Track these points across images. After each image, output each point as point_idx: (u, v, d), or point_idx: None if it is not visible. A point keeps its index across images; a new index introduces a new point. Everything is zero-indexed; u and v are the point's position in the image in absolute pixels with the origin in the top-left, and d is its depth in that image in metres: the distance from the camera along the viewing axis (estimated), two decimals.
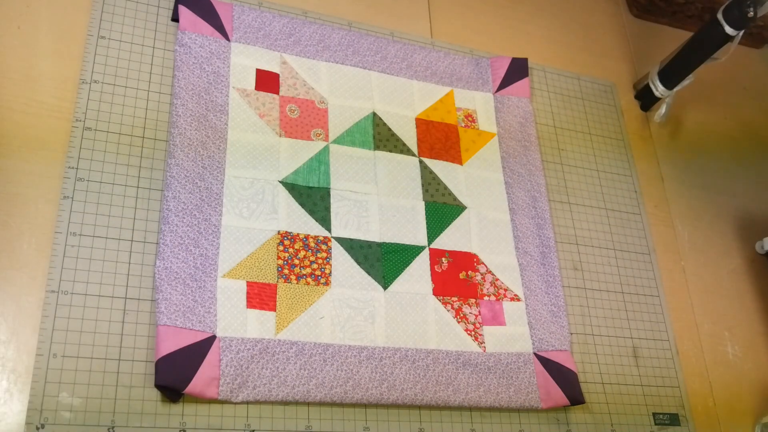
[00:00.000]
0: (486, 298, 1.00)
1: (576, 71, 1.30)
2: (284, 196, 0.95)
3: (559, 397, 0.96)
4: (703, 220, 1.27)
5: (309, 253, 0.93)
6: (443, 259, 1.00)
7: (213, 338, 0.83)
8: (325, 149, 1.00)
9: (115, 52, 0.95)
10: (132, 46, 0.96)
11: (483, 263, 1.02)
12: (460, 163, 1.08)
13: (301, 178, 0.97)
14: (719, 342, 1.16)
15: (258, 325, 0.86)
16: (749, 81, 1.50)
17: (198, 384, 0.79)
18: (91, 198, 0.86)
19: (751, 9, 1.09)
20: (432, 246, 1.00)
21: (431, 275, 0.98)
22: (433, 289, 0.97)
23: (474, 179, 1.08)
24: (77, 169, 0.87)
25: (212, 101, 0.96)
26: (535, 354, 0.98)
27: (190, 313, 0.82)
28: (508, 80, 1.18)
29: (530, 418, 0.95)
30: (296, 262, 0.91)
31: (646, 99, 1.31)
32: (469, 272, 1.01)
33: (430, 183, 1.05)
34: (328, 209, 0.97)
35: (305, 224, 0.94)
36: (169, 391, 0.78)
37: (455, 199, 1.05)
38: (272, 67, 1.03)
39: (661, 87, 1.26)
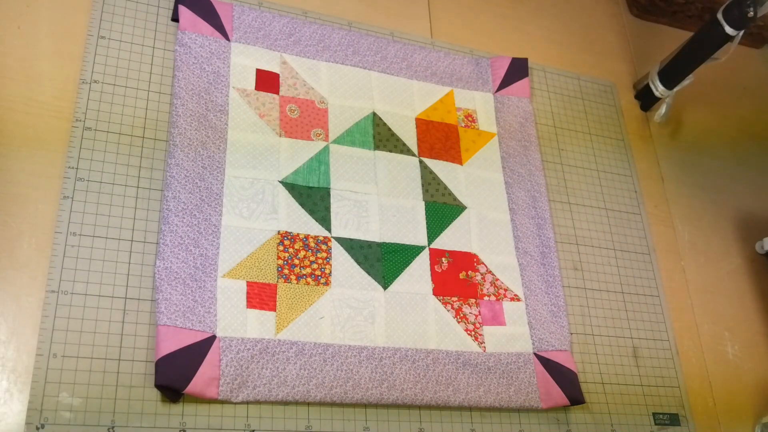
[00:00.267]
0: (486, 298, 1.00)
1: (576, 71, 1.30)
2: (284, 196, 0.95)
3: (559, 397, 0.96)
4: (703, 220, 1.27)
5: (309, 253, 0.93)
6: (443, 259, 1.00)
7: (213, 338, 0.83)
8: (325, 149, 1.00)
9: (115, 52, 0.95)
10: (132, 46, 0.96)
11: (483, 263, 1.02)
12: (460, 163, 1.08)
13: (301, 178, 0.97)
14: (719, 342, 1.16)
15: (258, 325, 0.86)
16: (749, 81, 1.50)
17: (198, 384, 0.79)
18: (91, 198, 0.86)
19: (751, 9, 1.09)
20: (432, 246, 1.00)
21: (431, 275, 0.98)
22: (433, 289, 0.97)
23: (474, 179, 1.08)
24: (77, 169, 0.87)
25: (212, 101, 0.96)
26: (535, 354, 0.98)
27: (190, 313, 0.82)
28: (508, 80, 1.18)
29: (530, 418, 0.95)
30: (296, 262, 0.91)
31: (646, 99, 1.31)
32: (469, 272, 1.01)
33: (430, 183, 1.05)
34: (328, 209, 0.97)
35: (305, 224, 0.94)
36: (169, 391, 0.78)
37: (455, 199, 1.05)
38: (272, 67, 1.03)
39: (661, 87, 1.26)
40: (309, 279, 0.91)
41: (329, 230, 0.95)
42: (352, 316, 0.91)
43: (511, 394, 0.94)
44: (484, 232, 1.04)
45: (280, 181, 0.96)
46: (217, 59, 0.99)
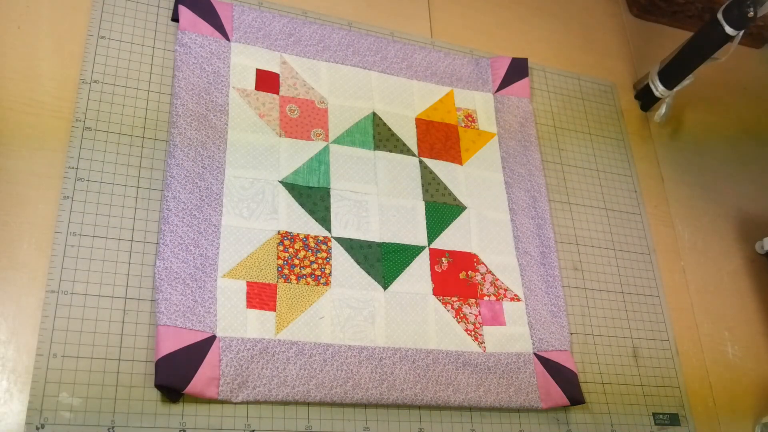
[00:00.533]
0: (486, 298, 1.00)
1: (576, 71, 1.30)
2: (284, 196, 0.95)
3: (559, 397, 0.96)
4: (703, 220, 1.27)
5: (309, 253, 0.93)
6: (443, 259, 1.00)
7: (213, 338, 0.83)
8: (325, 149, 1.00)
9: (115, 52, 0.95)
10: (132, 46, 0.96)
11: (483, 263, 1.02)
12: (460, 163, 1.08)
13: (301, 178, 0.97)
14: (719, 342, 1.16)
15: (258, 325, 0.86)
16: (749, 81, 1.50)
17: (198, 384, 0.79)
18: (91, 198, 0.86)
19: (751, 9, 1.09)
20: (432, 246, 1.00)
21: (431, 275, 0.98)
22: (433, 289, 0.97)
23: (474, 179, 1.08)
24: (77, 169, 0.87)
25: (212, 101, 0.96)
26: (535, 354, 0.98)
27: (190, 313, 0.82)
28: (508, 80, 1.18)
29: (530, 418, 0.95)
30: (296, 262, 0.91)
31: (646, 99, 1.31)
32: (469, 272, 1.01)
33: (430, 183, 1.05)
34: (328, 209, 0.97)
35: (305, 224, 0.94)
36: (169, 391, 0.78)
37: (455, 199, 1.05)
38: (272, 67, 1.03)
39: (661, 87, 1.26)
40: (309, 279, 0.91)
41: (329, 230, 0.95)
42: (352, 316, 0.91)
43: (511, 394, 0.94)
44: (484, 232, 1.04)
45: (280, 181, 0.96)
46: (217, 59, 0.99)
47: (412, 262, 0.98)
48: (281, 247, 0.91)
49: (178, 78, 0.95)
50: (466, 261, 1.01)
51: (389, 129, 1.06)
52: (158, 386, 0.78)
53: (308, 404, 0.85)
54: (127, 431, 0.77)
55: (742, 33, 1.13)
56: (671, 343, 1.11)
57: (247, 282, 0.88)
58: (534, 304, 1.02)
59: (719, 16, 1.13)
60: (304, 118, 1.01)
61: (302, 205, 0.95)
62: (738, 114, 1.44)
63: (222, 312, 0.85)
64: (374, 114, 1.06)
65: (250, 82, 1.00)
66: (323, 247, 0.94)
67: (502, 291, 1.01)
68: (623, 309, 1.10)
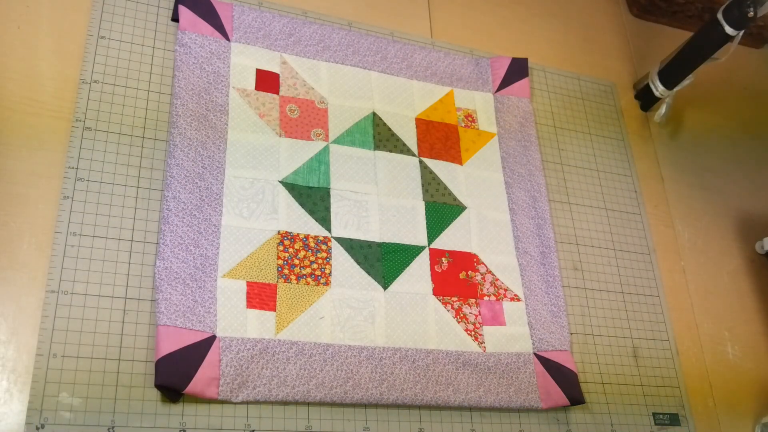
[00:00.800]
0: (486, 298, 1.00)
1: (576, 71, 1.30)
2: (284, 196, 0.95)
3: (559, 397, 0.96)
4: (703, 220, 1.27)
5: (309, 253, 0.93)
6: (443, 259, 1.00)
7: (213, 338, 0.83)
8: (325, 149, 1.00)
9: (115, 52, 0.95)
10: (132, 46, 0.96)
11: (483, 263, 1.02)
12: (460, 163, 1.08)
13: (301, 178, 0.97)
14: (719, 342, 1.16)
15: (258, 325, 0.86)
16: (749, 81, 1.50)
17: (198, 384, 0.79)
18: (91, 198, 0.86)
19: (751, 9, 1.09)
20: (432, 246, 1.00)
21: (431, 275, 0.98)
22: (433, 289, 0.97)
23: (474, 179, 1.08)
24: (77, 169, 0.87)
25: (212, 101, 0.96)
26: (535, 354, 0.98)
27: (190, 313, 0.82)
28: (508, 80, 1.18)
29: (530, 418, 0.95)
30: (296, 262, 0.91)
31: (646, 99, 1.31)
32: (469, 272, 1.01)
33: (430, 183, 1.05)
34: (328, 209, 0.97)
35: (305, 224, 0.94)
36: (169, 391, 0.78)
37: (455, 199, 1.05)
38: (272, 67, 1.03)
39: (661, 87, 1.26)
40: (309, 279, 0.91)
41: (329, 230, 0.95)
42: (352, 316, 0.91)
43: (511, 394, 0.94)
44: (484, 232, 1.04)
45: (280, 181, 0.96)
46: (217, 59, 0.99)
47: (412, 262, 0.98)
48: (281, 247, 0.91)
49: (178, 78, 0.95)
50: (466, 261, 1.01)
51: (389, 129, 1.06)
52: (158, 386, 0.78)
53: (308, 404, 0.85)
54: (127, 431, 0.77)
55: (742, 33, 1.13)
56: (671, 343, 1.11)
57: (247, 282, 0.88)
58: (534, 304, 1.02)
59: (719, 16, 1.13)
60: (304, 118, 1.01)
61: (302, 205, 0.95)
62: (738, 114, 1.44)
63: (222, 312, 0.85)
64: (374, 114, 1.06)
65: (250, 82, 1.00)
66: (323, 247, 0.94)
67: (502, 291, 1.01)
68: (623, 309, 1.10)
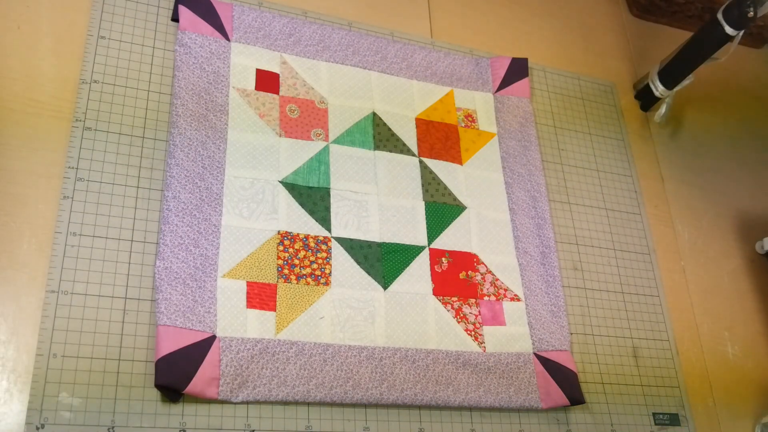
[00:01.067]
0: (486, 298, 1.00)
1: (576, 71, 1.30)
2: (284, 196, 0.95)
3: (559, 397, 0.96)
4: (703, 220, 1.27)
5: (309, 253, 0.93)
6: (443, 259, 1.00)
7: (213, 338, 0.83)
8: (325, 149, 1.00)
9: (115, 52, 0.95)
10: (132, 46, 0.96)
11: (483, 263, 1.02)
12: (460, 163, 1.08)
13: (301, 178, 0.97)
14: (719, 342, 1.16)
15: (258, 325, 0.86)
16: (749, 81, 1.50)
17: (198, 384, 0.79)
18: (91, 198, 0.86)
19: (751, 9, 1.09)
20: (432, 246, 1.00)
21: (431, 275, 0.98)
22: (433, 289, 0.97)
23: (474, 179, 1.08)
24: (77, 169, 0.87)
25: (212, 101, 0.96)
26: (535, 354, 0.98)
27: (190, 313, 0.82)
28: (508, 80, 1.18)
29: (530, 418, 0.95)
30: (296, 262, 0.91)
31: (646, 99, 1.31)
32: (469, 272, 1.01)
33: (430, 183, 1.05)
34: (328, 209, 0.97)
35: (305, 224, 0.94)
36: (169, 391, 0.78)
37: (455, 199, 1.05)
38: (272, 67, 1.03)
39: (661, 87, 1.26)
40: (309, 279, 0.91)
41: (329, 230, 0.95)
42: (352, 316, 0.91)
43: (511, 394, 0.94)
44: (484, 232, 1.04)
45: (280, 181, 0.96)
46: (217, 59, 0.99)
47: (412, 262, 0.98)
48: (281, 247, 0.91)
49: (178, 78, 0.95)
50: (466, 261, 1.01)
51: (389, 129, 1.06)
52: (158, 386, 0.78)
53: (308, 404, 0.85)
54: (127, 431, 0.77)
55: (742, 33, 1.13)
56: (671, 343, 1.11)
57: (247, 282, 0.88)
58: (534, 304, 1.02)
59: (719, 16, 1.13)
60: (304, 118, 1.01)
61: (302, 205, 0.95)
62: (738, 114, 1.44)
63: (222, 312, 0.85)
64: (374, 114, 1.06)
65: (250, 82, 1.00)
66: (323, 247, 0.94)
67: (502, 291, 1.01)
68: (623, 309, 1.10)
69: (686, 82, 1.23)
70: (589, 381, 1.02)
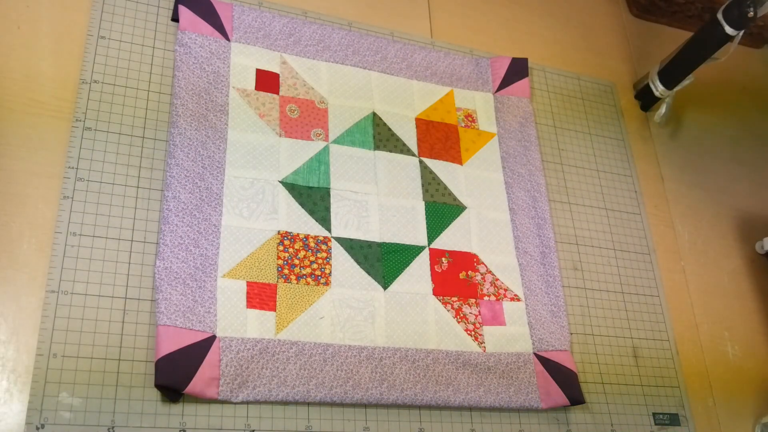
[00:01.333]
0: (486, 298, 1.00)
1: (576, 71, 1.30)
2: (284, 196, 0.95)
3: (559, 397, 0.96)
4: (703, 220, 1.27)
5: (309, 253, 0.93)
6: (443, 259, 1.00)
7: (213, 338, 0.83)
8: (325, 149, 1.00)
9: (115, 52, 0.95)
10: (132, 46, 0.96)
11: (483, 263, 1.02)
12: (460, 163, 1.08)
13: (301, 178, 0.97)
14: (719, 342, 1.16)
15: (258, 325, 0.86)
16: (749, 81, 1.50)
17: (198, 384, 0.79)
18: (91, 198, 0.86)
19: (751, 9, 1.09)
20: (432, 246, 1.00)
21: (431, 275, 0.98)
22: (433, 289, 0.97)
23: (474, 179, 1.08)
24: (77, 169, 0.87)
25: (212, 101, 0.96)
26: (535, 354, 0.98)
27: (190, 313, 0.82)
28: (508, 80, 1.18)
29: (530, 418, 0.95)
30: (296, 262, 0.91)
31: (646, 99, 1.31)
32: (469, 272, 1.01)
33: (430, 183, 1.05)
34: (328, 209, 0.97)
35: (305, 224, 0.94)
36: (169, 391, 0.78)
37: (455, 199, 1.05)
38: (272, 67, 1.03)
39: (661, 87, 1.26)
40: (309, 279, 0.91)
41: (329, 230, 0.95)
42: (352, 316, 0.91)
43: (511, 394, 0.94)
44: (484, 232, 1.04)
45: (280, 181, 0.96)
46: (217, 59, 0.99)
47: (412, 262, 0.98)
48: (281, 247, 0.91)
49: (178, 78, 0.95)
50: (466, 261, 1.01)
51: (389, 129, 1.06)
52: (158, 386, 0.78)
53: (308, 404, 0.85)
54: (127, 431, 0.77)
55: (742, 33, 1.13)
56: (671, 343, 1.11)
57: (247, 282, 0.88)
58: (534, 304, 1.02)
59: (719, 16, 1.13)
60: (304, 118, 1.01)
61: (302, 205, 0.95)
62: (738, 114, 1.44)
63: (222, 312, 0.85)
64: (374, 114, 1.06)
65: (250, 82, 1.00)
66: (323, 247, 0.94)
67: (502, 291, 1.01)
68: (623, 309, 1.10)
69: (686, 82, 1.23)
70: (589, 381, 1.02)
